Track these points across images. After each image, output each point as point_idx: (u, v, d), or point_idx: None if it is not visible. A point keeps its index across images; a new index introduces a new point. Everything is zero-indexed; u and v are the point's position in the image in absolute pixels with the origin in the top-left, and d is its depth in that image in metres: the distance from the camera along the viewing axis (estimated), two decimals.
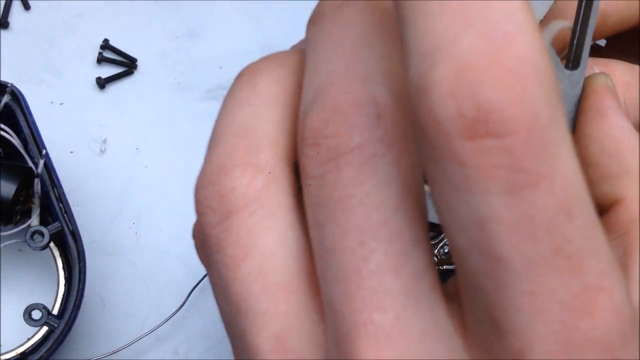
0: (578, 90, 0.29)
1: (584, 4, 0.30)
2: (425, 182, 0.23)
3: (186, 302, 0.46)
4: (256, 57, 0.58)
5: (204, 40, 0.52)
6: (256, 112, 0.24)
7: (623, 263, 0.25)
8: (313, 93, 0.22)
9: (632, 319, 0.20)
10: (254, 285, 0.23)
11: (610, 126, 0.26)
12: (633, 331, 0.20)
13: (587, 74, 0.31)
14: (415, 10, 0.19)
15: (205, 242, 0.24)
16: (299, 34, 0.57)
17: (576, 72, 0.29)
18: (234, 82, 0.26)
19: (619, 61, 0.32)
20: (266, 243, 0.23)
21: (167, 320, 0.45)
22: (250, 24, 0.53)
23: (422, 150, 0.20)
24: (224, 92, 0.57)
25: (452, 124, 0.18)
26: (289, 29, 0.53)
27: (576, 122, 0.28)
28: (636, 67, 0.33)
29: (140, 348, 0.46)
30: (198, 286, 0.46)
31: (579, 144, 0.27)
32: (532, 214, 0.18)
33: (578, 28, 0.30)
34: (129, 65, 0.51)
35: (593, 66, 0.33)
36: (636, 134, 0.27)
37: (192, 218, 0.51)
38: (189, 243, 0.51)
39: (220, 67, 0.52)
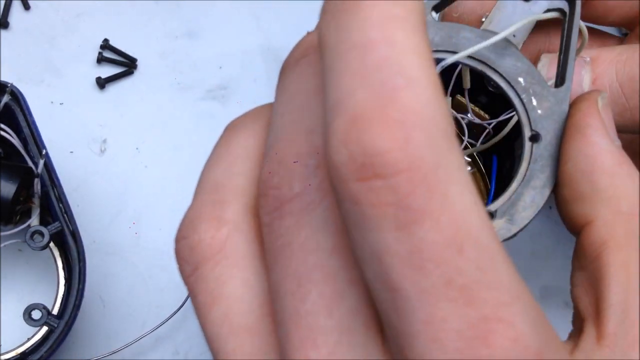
0: (565, 106, 0.29)
1: (566, 26, 0.31)
2: None
3: (186, 302, 0.46)
4: (256, 57, 0.58)
5: (204, 40, 0.52)
6: (228, 168, 0.26)
7: (597, 288, 0.25)
8: (268, 147, 0.24)
9: (537, 349, 0.20)
10: (222, 328, 0.25)
11: (587, 144, 0.27)
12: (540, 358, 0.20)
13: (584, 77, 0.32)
14: (328, 70, 0.21)
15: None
16: (299, 34, 0.56)
17: (562, 89, 0.29)
18: (217, 140, 0.28)
19: (620, 45, 0.33)
20: (231, 290, 0.25)
21: (167, 320, 0.46)
22: (250, 24, 0.53)
23: (335, 196, 0.21)
24: (224, 92, 0.58)
25: (345, 167, 0.20)
26: (289, 29, 0.53)
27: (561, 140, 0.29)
28: (634, 45, 0.33)
29: (140, 348, 0.46)
30: None
31: (561, 162, 0.28)
32: (421, 247, 0.20)
33: (562, 48, 0.31)
34: (129, 65, 0.51)
35: (590, 52, 0.33)
36: (617, 154, 0.27)
37: None
38: None
39: (220, 67, 0.52)
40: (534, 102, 0.30)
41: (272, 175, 0.23)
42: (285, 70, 0.26)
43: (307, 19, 0.55)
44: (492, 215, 0.29)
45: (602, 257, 0.26)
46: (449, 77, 0.36)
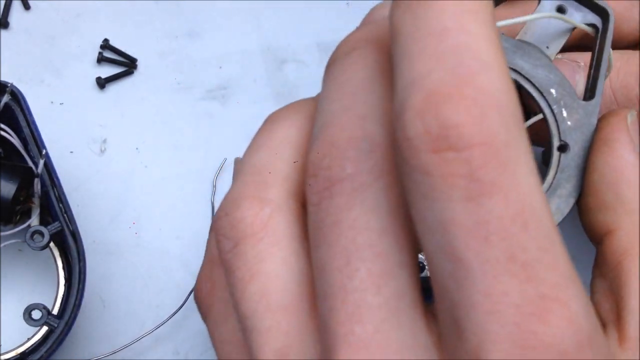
0: (594, 120, 0.30)
1: (598, 41, 0.32)
2: None
3: (186, 302, 0.46)
4: (256, 57, 0.58)
5: (204, 40, 0.52)
6: (270, 153, 0.27)
7: (617, 295, 0.26)
8: (316, 131, 0.25)
9: (588, 332, 0.21)
10: (259, 304, 0.25)
11: (614, 157, 0.28)
12: (591, 343, 0.21)
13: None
14: (401, 54, 0.23)
15: (222, 270, 0.27)
16: (299, 34, 0.57)
17: (591, 102, 0.30)
18: (258, 130, 0.29)
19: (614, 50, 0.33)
20: (271, 267, 0.25)
21: (167, 320, 0.46)
22: (250, 24, 0.53)
23: (399, 169, 0.22)
24: (224, 92, 0.58)
25: (419, 139, 0.21)
26: (289, 29, 0.53)
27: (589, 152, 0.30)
28: (629, 52, 0.33)
29: (140, 348, 0.46)
30: None
31: (587, 173, 0.29)
32: (488, 220, 0.21)
33: (594, 63, 0.31)
34: (129, 65, 0.51)
35: (581, 57, 0.33)
36: None
37: (192, 218, 0.51)
38: (189, 243, 0.51)
39: (220, 67, 0.52)
40: (564, 114, 0.31)
41: (323, 157, 0.24)
42: (335, 62, 0.27)
43: (307, 19, 0.55)
44: None
45: (623, 264, 0.27)
46: None
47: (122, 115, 0.50)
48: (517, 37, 0.32)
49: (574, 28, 0.32)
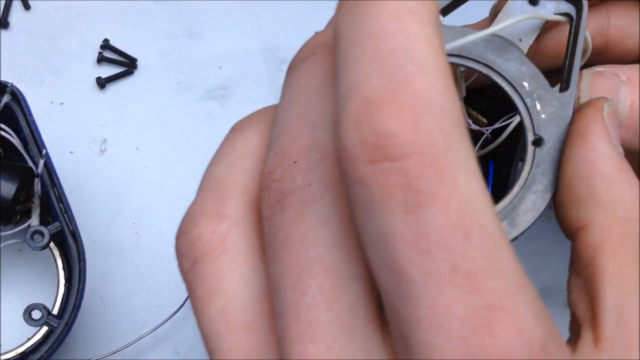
0: (569, 111, 0.29)
1: (572, 31, 0.31)
2: None
3: (186, 302, 0.46)
4: (256, 57, 0.58)
5: (204, 40, 0.52)
6: (230, 165, 0.27)
7: (592, 293, 0.25)
8: (272, 140, 0.24)
9: (541, 341, 0.20)
10: (219, 324, 0.25)
11: (588, 149, 0.27)
12: (545, 352, 0.20)
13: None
14: (341, 59, 0.22)
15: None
16: (299, 34, 0.56)
17: (566, 93, 0.30)
18: (222, 140, 0.28)
19: None
20: (229, 285, 0.25)
21: (167, 320, 0.46)
22: (250, 24, 0.53)
23: (344, 180, 0.22)
24: (224, 92, 0.58)
25: (355, 149, 0.20)
26: (289, 29, 0.53)
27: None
28: None
29: (140, 348, 0.46)
30: None
31: (561, 166, 0.28)
32: (428, 231, 0.20)
33: (568, 52, 0.31)
34: (129, 65, 0.51)
35: (624, 71, 0.32)
36: (618, 161, 0.27)
37: None
38: None
39: (220, 67, 0.52)
40: (538, 107, 0.30)
41: (274, 168, 0.23)
42: (292, 68, 0.26)
43: (307, 19, 0.55)
44: None
45: (596, 261, 0.26)
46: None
47: (122, 115, 0.50)
48: (489, 31, 0.31)
49: (547, 21, 0.32)
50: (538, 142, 0.29)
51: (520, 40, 0.31)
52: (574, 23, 0.31)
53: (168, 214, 0.48)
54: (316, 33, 0.27)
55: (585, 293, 0.26)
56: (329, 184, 0.23)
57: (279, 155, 0.23)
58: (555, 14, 0.31)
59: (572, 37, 0.31)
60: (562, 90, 0.30)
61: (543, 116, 0.30)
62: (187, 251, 0.26)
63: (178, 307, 0.45)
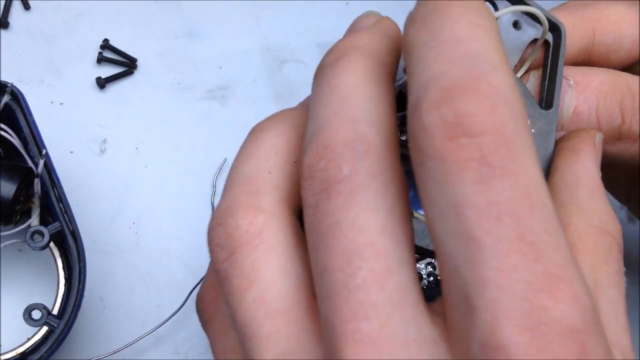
0: (553, 127, 0.32)
1: (551, 51, 0.34)
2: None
3: (186, 302, 0.46)
4: (256, 57, 0.58)
5: (204, 40, 0.52)
6: (258, 163, 0.28)
7: None
8: (310, 135, 0.26)
9: (592, 310, 0.22)
10: (257, 312, 0.25)
11: (577, 163, 0.30)
12: (594, 322, 0.22)
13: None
14: (416, 61, 0.25)
15: (217, 279, 0.27)
16: (299, 34, 0.56)
17: (551, 111, 0.33)
18: (244, 141, 0.30)
19: (601, 68, 0.34)
20: (267, 274, 0.26)
21: (167, 320, 0.46)
22: (250, 24, 0.53)
23: (413, 159, 0.24)
24: (224, 92, 0.58)
25: (435, 128, 0.23)
26: (289, 29, 0.53)
27: (553, 158, 0.31)
28: (617, 73, 0.34)
29: (140, 348, 0.46)
30: (198, 286, 0.46)
31: (549, 176, 0.31)
32: (499, 201, 0.22)
33: (548, 72, 0.34)
34: (129, 65, 0.51)
35: (573, 74, 0.34)
36: (599, 181, 0.30)
37: (192, 218, 0.51)
38: (189, 243, 0.51)
39: (220, 67, 0.52)
40: (529, 122, 0.32)
41: (319, 159, 0.25)
42: (324, 68, 0.27)
43: (307, 19, 0.55)
44: None
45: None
46: None
47: (122, 115, 0.50)
48: None
49: (529, 43, 0.34)
50: None
51: None
52: (552, 49, 0.34)
53: (168, 214, 0.48)
54: (346, 37, 0.29)
55: None
56: (375, 174, 0.24)
57: (321, 147, 0.25)
58: (535, 38, 0.34)
59: (550, 61, 0.34)
60: (546, 108, 0.33)
61: (533, 131, 0.32)
62: (223, 241, 0.27)
63: (178, 307, 0.45)
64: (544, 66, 0.34)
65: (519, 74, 0.34)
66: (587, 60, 0.37)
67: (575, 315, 0.21)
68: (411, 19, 0.26)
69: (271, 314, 0.25)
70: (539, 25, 0.34)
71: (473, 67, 0.23)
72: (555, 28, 0.34)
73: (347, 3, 0.54)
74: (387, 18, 0.31)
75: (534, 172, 0.23)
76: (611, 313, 0.27)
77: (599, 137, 0.31)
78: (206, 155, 0.50)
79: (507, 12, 0.33)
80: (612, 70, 0.35)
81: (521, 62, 0.34)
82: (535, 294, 0.21)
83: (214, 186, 0.49)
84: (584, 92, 0.34)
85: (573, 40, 0.35)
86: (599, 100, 0.33)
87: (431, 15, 0.25)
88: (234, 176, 0.28)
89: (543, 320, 0.21)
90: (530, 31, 0.34)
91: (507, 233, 0.22)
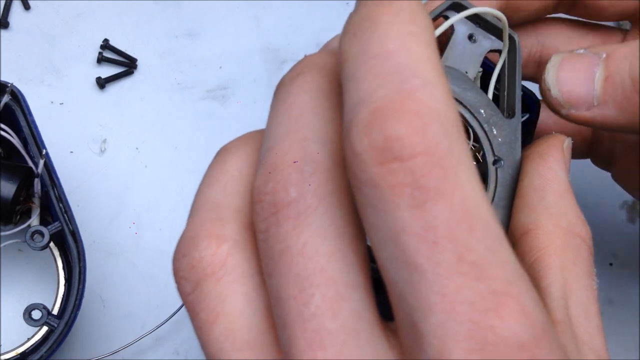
0: (519, 135, 0.33)
1: (507, 65, 0.35)
2: None
3: None
4: (256, 57, 0.58)
5: (204, 40, 0.52)
6: (223, 188, 0.27)
7: (539, 288, 0.28)
8: (262, 155, 0.25)
9: (542, 324, 0.22)
10: (225, 343, 0.25)
11: (545, 167, 0.30)
12: (545, 335, 0.22)
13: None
14: (348, 77, 0.24)
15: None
16: (299, 34, 0.57)
17: (514, 120, 0.33)
18: (211, 162, 0.29)
19: (631, 41, 0.34)
20: (233, 305, 0.25)
21: (167, 320, 0.46)
22: (250, 24, 0.53)
23: (351, 184, 0.23)
24: (224, 92, 0.58)
25: (366, 153, 0.22)
26: (288, 29, 0.53)
27: (521, 164, 0.32)
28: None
29: (140, 348, 0.46)
30: None
31: (519, 180, 0.31)
32: (436, 224, 0.21)
33: (506, 83, 0.35)
34: (129, 65, 0.51)
35: (603, 49, 0.34)
36: (567, 185, 0.30)
37: None
38: None
39: (220, 67, 0.52)
40: (495, 131, 0.33)
41: (266, 181, 0.24)
42: (280, 86, 0.27)
43: (307, 19, 0.55)
44: None
45: (540, 260, 0.28)
46: None
47: (122, 115, 0.50)
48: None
49: (488, 52, 0.35)
50: (497, 162, 0.33)
51: (466, 72, 0.35)
52: (508, 57, 0.35)
53: (168, 214, 0.48)
54: (306, 56, 0.28)
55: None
56: (323, 196, 0.24)
57: (270, 169, 0.24)
58: (491, 49, 0.35)
59: (507, 69, 0.35)
60: (509, 116, 0.34)
61: (500, 139, 0.33)
62: (187, 274, 0.26)
63: (178, 307, 0.45)
64: (503, 76, 0.35)
65: (490, 93, 0.35)
66: (537, 65, 0.39)
67: (524, 330, 0.21)
68: (344, 28, 0.25)
69: (238, 345, 0.25)
70: (493, 37, 0.35)
71: (402, 84, 0.22)
72: (510, 39, 0.34)
73: (347, 3, 0.54)
74: None
75: (472, 190, 0.22)
76: (582, 314, 0.27)
77: (567, 142, 0.32)
78: (206, 155, 0.50)
79: (461, 17, 0.33)
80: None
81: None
82: (481, 314, 0.21)
83: None
84: (615, 60, 0.33)
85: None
86: (631, 63, 0.33)
87: (361, 25, 0.24)
88: (199, 201, 0.28)
89: (491, 339, 0.21)
90: (485, 43, 0.35)
91: (446, 256, 0.21)
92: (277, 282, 0.24)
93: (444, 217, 0.21)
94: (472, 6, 0.34)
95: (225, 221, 0.26)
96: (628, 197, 0.51)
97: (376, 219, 0.22)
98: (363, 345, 0.23)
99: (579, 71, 0.33)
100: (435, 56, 0.24)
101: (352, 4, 0.54)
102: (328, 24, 0.53)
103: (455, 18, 0.33)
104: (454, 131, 0.22)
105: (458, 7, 0.34)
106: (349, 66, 0.24)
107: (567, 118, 0.34)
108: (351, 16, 0.25)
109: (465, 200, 0.22)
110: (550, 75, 0.33)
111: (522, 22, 0.39)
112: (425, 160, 0.22)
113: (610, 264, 0.50)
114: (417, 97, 0.22)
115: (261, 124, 0.30)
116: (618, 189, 0.43)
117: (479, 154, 0.36)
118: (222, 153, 0.29)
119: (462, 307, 0.21)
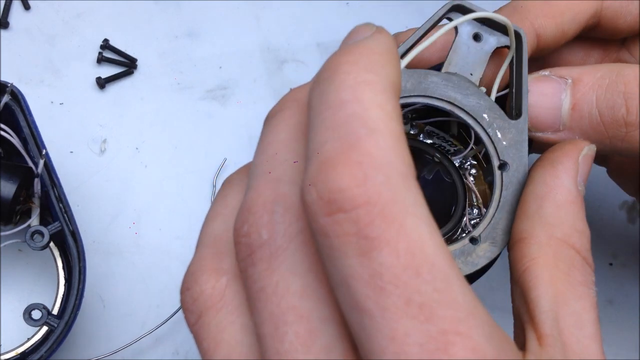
0: (525, 136, 0.33)
1: (514, 62, 0.34)
2: None
3: None
4: (256, 57, 0.58)
5: (204, 40, 0.52)
6: (224, 221, 0.29)
7: (529, 298, 0.28)
8: (244, 195, 0.27)
9: (494, 357, 0.22)
10: None
11: (552, 176, 0.30)
12: None
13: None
14: (310, 128, 0.25)
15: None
16: (299, 34, 0.57)
17: (520, 120, 0.33)
18: (217, 194, 0.31)
19: (604, 64, 0.35)
20: (232, 334, 0.27)
21: (167, 320, 0.46)
22: (250, 24, 0.53)
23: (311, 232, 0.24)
24: (224, 92, 0.58)
25: (315, 205, 0.23)
26: (289, 29, 0.53)
27: (531, 168, 0.32)
28: (619, 65, 0.34)
29: (140, 348, 0.46)
30: None
31: (525, 185, 0.32)
32: (381, 271, 0.22)
33: (514, 82, 0.34)
34: (129, 65, 0.51)
35: (571, 72, 0.34)
36: (574, 194, 0.30)
37: (191, 218, 0.51)
38: (189, 243, 0.51)
39: (220, 67, 0.52)
40: (499, 135, 0.33)
41: (242, 224, 0.26)
42: (266, 121, 0.29)
43: (307, 19, 0.55)
44: (477, 240, 0.32)
45: (530, 270, 0.29)
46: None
47: (122, 115, 0.50)
48: (443, 70, 0.35)
49: (492, 53, 0.35)
50: (503, 166, 0.33)
51: (471, 74, 0.35)
52: (515, 54, 0.34)
53: (168, 214, 0.48)
54: (291, 89, 0.29)
55: (522, 299, 0.29)
56: (292, 236, 0.25)
57: (245, 211, 0.26)
58: (497, 46, 0.34)
59: (515, 67, 0.34)
60: (515, 117, 0.33)
61: (504, 143, 0.33)
62: (191, 306, 0.28)
63: (178, 307, 0.45)
64: (510, 76, 0.34)
65: (493, 94, 0.34)
66: (595, 26, 0.37)
67: None
68: (314, 78, 0.26)
69: None
70: (498, 33, 0.34)
71: (349, 135, 0.23)
72: (515, 35, 0.34)
73: (347, 3, 0.54)
74: (381, 30, 0.30)
75: (417, 234, 0.23)
76: (574, 324, 0.27)
77: (586, 150, 0.31)
78: (206, 155, 0.50)
79: (467, 19, 0.33)
80: (615, 64, 0.35)
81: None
82: (431, 354, 0.22)
83: (214, 186, 0.49)
84: (582, 89, 0.33)
85: (583, 7, 0.35)
86: (598, 95, 0.33)
87: (323, 74, 0.25)
88: (202, 236, 0.30)
89: None
90: (492, 40, 0.35)
91: (393, 300, 0.22)
92: (256, 320, 0.26)
93: (389, 263, 0.22)
94: (475, 7, 0.34)
95: (225, 255, 0.28)
96: (628, 197, 0.51)
97: (329, 265, 0.23)
98: None
99: (545, 96, 0.34)
100: (388, 102, 0.24)
101: (352, 4, 0.54)
102: (328, 24, 0.53)
103: (461, 19, 0.33)
104: (398, 178, 0.23)
105: (461, 9, 0.34)
106: (310, 116, 0.25)
107: (534, 140, 0.34)
108: (321, 67, 0.26)
109: (411, 244, 0.23)
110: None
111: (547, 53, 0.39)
112: (367, 210, 0.23)
113: (610, 264, 0.50)
114: (361, 148, 0.23)
115: (261, 124, 0.30)
116: (618, 189, 0.43)
117: (479, 154, 0.36)
118: (225, 186, 0.30)
119: (412, 349, 0.22)
